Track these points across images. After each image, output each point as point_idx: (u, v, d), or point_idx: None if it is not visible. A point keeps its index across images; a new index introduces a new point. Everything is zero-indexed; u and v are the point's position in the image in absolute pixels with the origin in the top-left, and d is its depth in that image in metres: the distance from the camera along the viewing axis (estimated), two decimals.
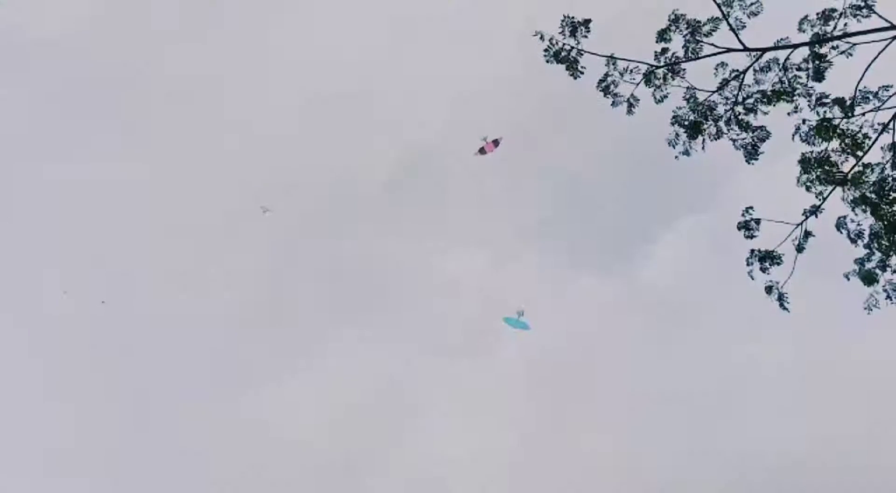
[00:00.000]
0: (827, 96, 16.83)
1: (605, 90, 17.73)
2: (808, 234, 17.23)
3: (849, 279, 17.77)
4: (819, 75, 16.82)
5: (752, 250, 18.10)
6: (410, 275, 71.16)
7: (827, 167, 17.25)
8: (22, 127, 63.94)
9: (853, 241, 17.17)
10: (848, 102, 16.61)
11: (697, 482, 55.75)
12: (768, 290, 18.04)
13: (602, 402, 61.89)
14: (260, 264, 70.59)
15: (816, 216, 17.24)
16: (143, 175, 67.60)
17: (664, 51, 17.38)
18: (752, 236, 17.78)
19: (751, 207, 17.71)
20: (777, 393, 60.66)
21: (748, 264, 18.20)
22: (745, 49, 16.75)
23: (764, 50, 16.74)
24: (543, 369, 63.16)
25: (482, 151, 40.36)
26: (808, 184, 17.00)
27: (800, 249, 17.43)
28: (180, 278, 66.03)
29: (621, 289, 72.06)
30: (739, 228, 17.75)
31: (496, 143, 39.86)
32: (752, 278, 18.27)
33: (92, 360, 61.44)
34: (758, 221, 17.86)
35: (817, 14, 16.77)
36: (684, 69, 17.47)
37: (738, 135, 17.45)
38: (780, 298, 17.91)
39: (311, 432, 61.39)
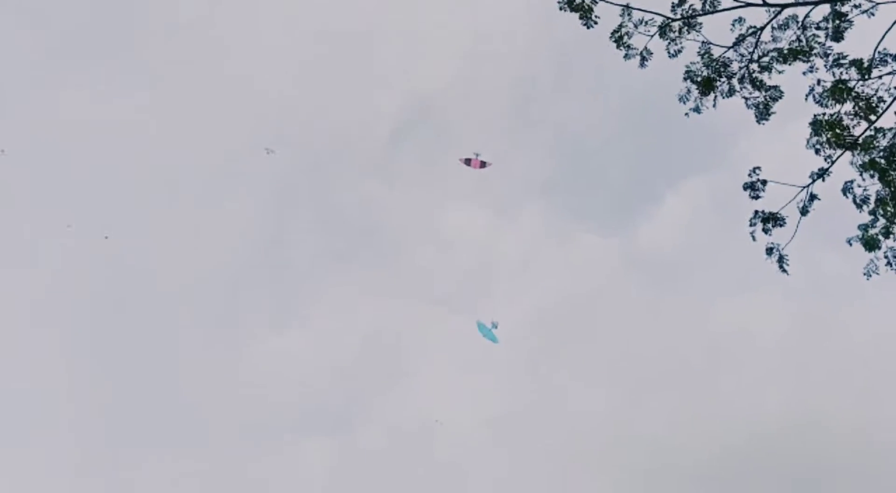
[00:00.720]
0: (844, 57, 16.53)
1: (619, 41, 17.40)
2: (813, 197, 17.10)
3: (851, 245, 17.71)
4: (838, 35, 16.50)
5: (756, 211, 17.99)
6: (410, 228, 71.17)
7: (838, 130, 17.04)
8: (23, 65, 63.02)
9: (858, 206, 17.06)
10: (865, 64, 16.33)
11: (685, 443, 56.63)
12: (769, 251, 17.99)
13: (595, 361, 62.56)
14: (259, 211, 70.45)
15: (823, 180, 17.10)
16: (146, 115, 66.97)
17: (681, 2, 17.02)
18: (757, 197, 17.67)
19: (758, 168, 17.55)
20: (770, 357, 61.27)
21: (751, 225, 18.10)
22: (765, 4, 16.40)
23: (783, 6, 16.38)
24: (538, 327, 63.63)
25: (467, 161, 40.69)
26: (818, 146, 16.82)
27: (804, 211, 17.33)
28: (182, 219, 65.99)
29: (621, 249, 72.19)
30: (745, 189, 17.62)
31: (483, 164, 40.39)
32: (754, 239, 18.20)
33: (92, 295, 61.72)
34: (764, 183, 17.72)
35: None
36: (700, 23, 17.13)
37: (750, 93, 17.20)
38: (781, 260, 17.87)
39: (307, 379, 62.11)
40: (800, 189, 17.19)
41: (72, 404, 57.50)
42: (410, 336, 59.21)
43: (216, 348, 63.44)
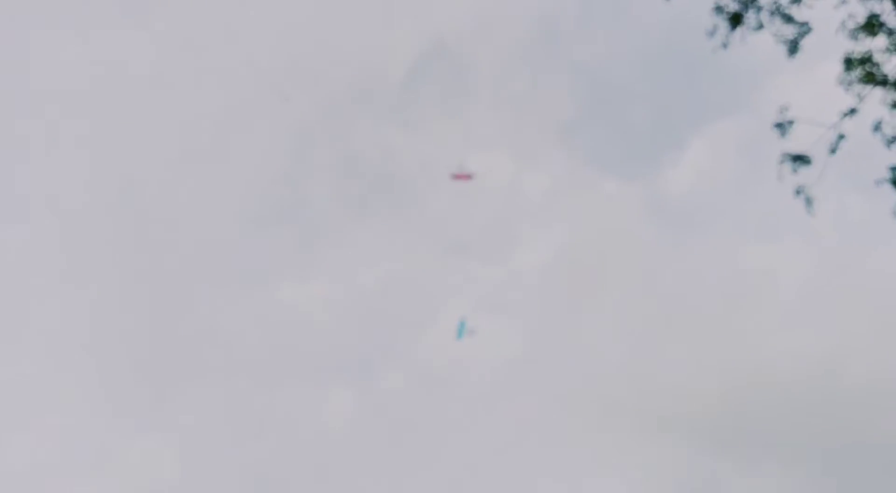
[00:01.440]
0: None
1: None
2: (842, 136, 16.78)
3: (879, 186, 17.44)
4: None
5: (784, 152, 17.73)
6: (430, 173, 70.82)
7: (869, 67, 16.61)
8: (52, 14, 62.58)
9: (888, 144, 16.74)
10: None
11: (704, 389, 56.97)
12: (796, 192, 17.79)
13: (615, 306, 62.65)
14: (276, 159, 70.38)
15: (853, 118, 16.75)
16: (160, 60, 66.59)
17: None
18: (785, 137, 17.38)
19: (787, 107, 17.22)
20: (794, 302, 60.99)
21: (778, 165, 17.87)
22: None
23: None
24: (558, 274, 63.71)
25: (458, 176, 41.28)
26: (848, 84, 16.42)
27: (833, 151, 17.04)
28: (197, 168, 66.20)
29: (643, 194, 71.53)
30: (774, 128, 17.32)
31: (469, 176, 41.18)
32: (781, 181, 17.98)
33: (113, 245, 62.49)
34: (792, 122, 17.41)
35: None
36: None
37: (780, 28, 16.73)
38: (808, 201, 17.67)
39: (328, 324, 62.96)
40: (828, 128, 16.87)
41: (98, 353, 58.91)
42: (431, 281, 59.56)
43: (236, 295, 64.30)
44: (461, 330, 42.19)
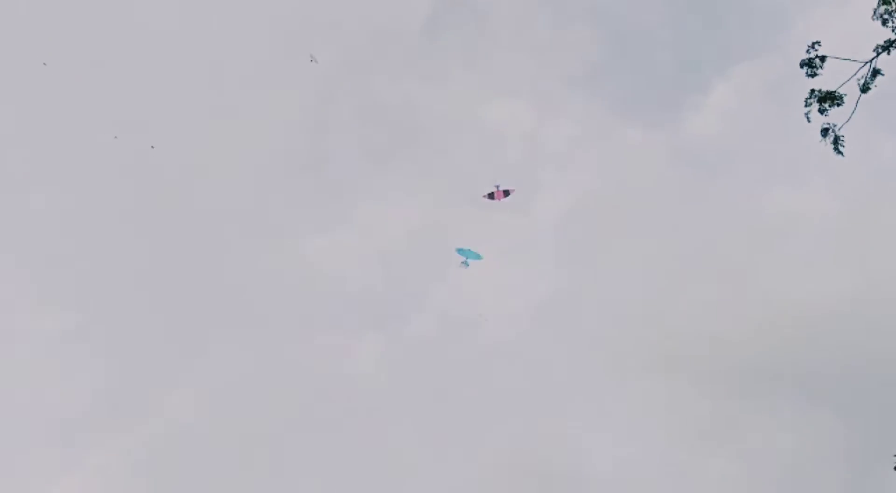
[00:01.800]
0: None
1: None
2: (876, 72, 16.23)
3: None
4: None
5: (813, 90, 17.21)
6: (451, 122, 70.23)
7: None
8: None
9: None
10: None
11: (726, 329, 57.00)
12: (824, 132, 17.34)
13: (637, 251, 62.46)
14: (301, 113, 70.04)
15: (889, 53, 16.20)
16: (186, 20, 66.02)
17: None
18: (814, 75, 16.83)
19: (817, 43, 16.66)
20: (817, 246, 60.35)
21: (806, 105, 17.37)
22: None
23: None
24: (580, 221, 63.45)
25: (490, 195, 40.98)
26: (885, 16, 15.82)
27: (864, 89, 16.50)
28: (225, 123, 66.14)
29: (667, 140, 70.48)
30: (802, 66, 16.79)
31: (507, 193, 40.80)
32: (809, 121, 17.51)
33: (138, 202, 63.08)
34: (823, 59, 16.84)
35: None
36: None
37: None
38: (836, 141, 17.24)
39: (353, 271, 63.55)
40: (862, 64, 16.34)
41: (128, 308, 60.02)
42: (455, 229, 59.64)
43: (264, 248, 64.92)
44: (468, 256, 42.82)
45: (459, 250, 43.67)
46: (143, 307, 60.97)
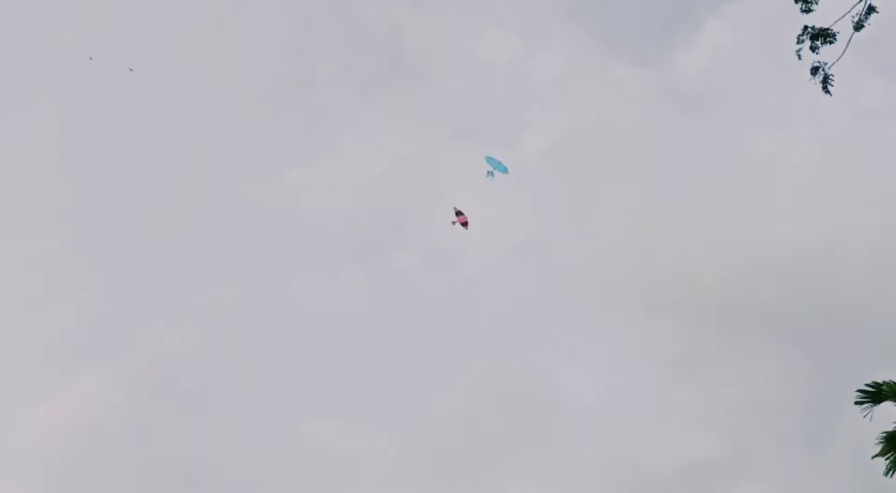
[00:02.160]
0: None
1: None
2: (871, 9, 15.99)
3: None
4: None
5: (805, 27, 17.00)
6: (439, 54, 68.87)
7: None
8: None
9: None
10: None
11: (702, 269, 57.74)
12: (814, 71, 17.20)
13: (621, 191, 62.49)
14: (284, 40, 68.25)
15: None
16: None
17: None
18: (808, 10, 16.60)
19: None
20: (802, 186, 60.70)
21: (798, 43, 17.18)
22: None
23: None
24: (565, 158, 63.12)
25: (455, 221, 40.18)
26: None
27: (858, 26, 16.29)
28: (204, 49, 64.46)
29: (656, 77, 69.63)
30: (797, 1, 16.54)
31: (465, 224, 39.99)
32: (800, 58, 17.36)
33: (118, 128, 61.95)
34: None
35: None
36: None
37: None
38: (825, 79, 17.12)
39: (340, 205, 63.23)
40: (857, 1, 16.10)
41: (112, 238, 59.64)
42: (439, 163, 59.24)
43: (246, 178, 64.23)
44: (496, 166, 40.54)
45: (489, 159, 40.70)
46: (126, 237, 60.64)
